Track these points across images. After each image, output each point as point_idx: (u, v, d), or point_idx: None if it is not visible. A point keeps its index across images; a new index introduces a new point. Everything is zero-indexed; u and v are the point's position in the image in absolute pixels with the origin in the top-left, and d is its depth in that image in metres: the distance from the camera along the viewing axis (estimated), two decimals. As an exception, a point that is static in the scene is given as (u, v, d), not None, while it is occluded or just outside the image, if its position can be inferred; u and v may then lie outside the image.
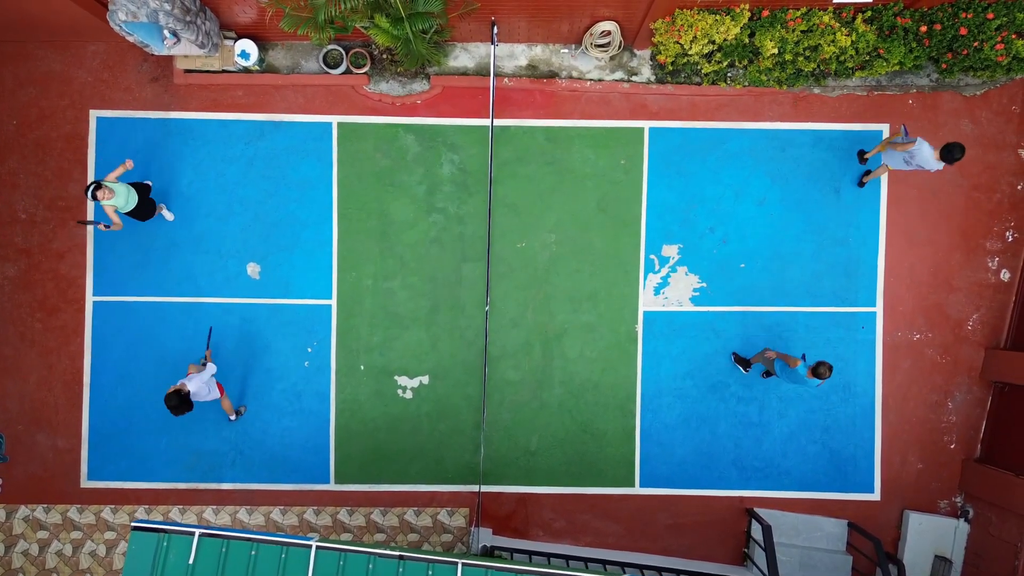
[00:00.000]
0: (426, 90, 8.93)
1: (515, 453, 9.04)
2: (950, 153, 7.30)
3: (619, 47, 8.67)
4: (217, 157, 8.92)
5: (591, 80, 8.97)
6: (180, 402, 7.09)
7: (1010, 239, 8.96)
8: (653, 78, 8.96)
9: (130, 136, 8.91)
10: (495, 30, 8.05)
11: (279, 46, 8.97)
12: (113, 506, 8.97)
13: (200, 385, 7.45)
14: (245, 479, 8.95)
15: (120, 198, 7.69)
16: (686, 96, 8.98)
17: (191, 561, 5.82)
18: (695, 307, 9.00)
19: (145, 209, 8.20)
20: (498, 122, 8.87)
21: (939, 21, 7.87)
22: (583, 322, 9.00)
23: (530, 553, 8.51)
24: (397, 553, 5.86)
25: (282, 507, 9.02)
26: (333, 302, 8.94)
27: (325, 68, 8.80)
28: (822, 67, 8.38)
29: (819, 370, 7.16)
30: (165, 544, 5.85)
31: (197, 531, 5.87)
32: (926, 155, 7.46)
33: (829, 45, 7.91)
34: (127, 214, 8.04)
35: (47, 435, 8.94)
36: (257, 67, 8.72)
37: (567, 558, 8.52)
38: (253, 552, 5.86)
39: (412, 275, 8.98)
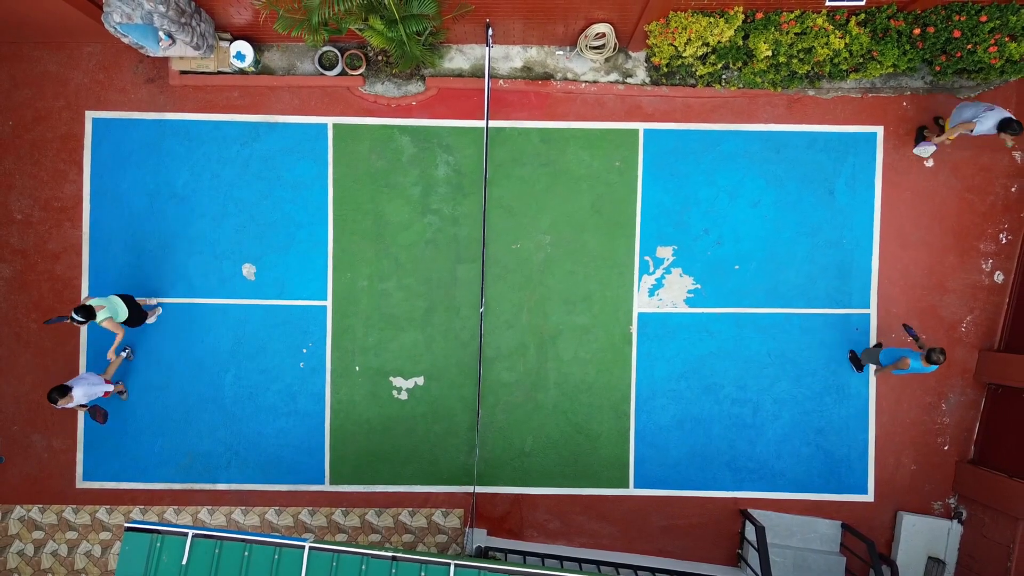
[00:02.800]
0: (421, 92, 8.95)
1: (510, 454, 9.06)
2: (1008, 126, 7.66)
3: (614, 49, 8.68)
4: (212, 158, 8.93)
5: (586, 82, 8.99)
6: (59, 394, 7.55)
7: (1004, 241, 8.98)
8: (648, 80, 8.98)
9: (125, 137, 8.92)
10: (490, 32, 8.07)
11: (275, 47, 8.98)
12: (108, 506, 8.99)
13: (86, 390, 7.79)
14: (240, 480, 8.97)
15: (108, 311, 7.73)
16: (681, 98, 9.00)
17: (184, 562, 5.85)
18: (689, 309, 9.02)
19: (137, 316, 8.25)
20: (493, 123, 8.88)
21: (932, 24, 7.88)
22: (578, 323, 9.02)
23: (524, 554, 8.53)
24: (390, 554, 5.88)
25: (277, 508, 9.03)
26: (328, 303, 8.96)
27: (320, 70, 8.82)
28: (816, 69, 8.39)
29: (933, 357, 7.44)
30: (158, 545, 5.88)
31: (190, 532, 5.89)
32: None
33: (823, 47, 7.93)
34: (123, 323, 8.05)
35: (42, 436, 8.96)
36: (253, 68, 8.73)
37: (561, 559, 8.55)
38: (246, 553, 5.89)
39: (407, 276, 8.99)
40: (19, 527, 9.00)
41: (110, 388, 8.11)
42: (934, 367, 7.59)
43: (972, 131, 7.92)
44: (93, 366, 8.91)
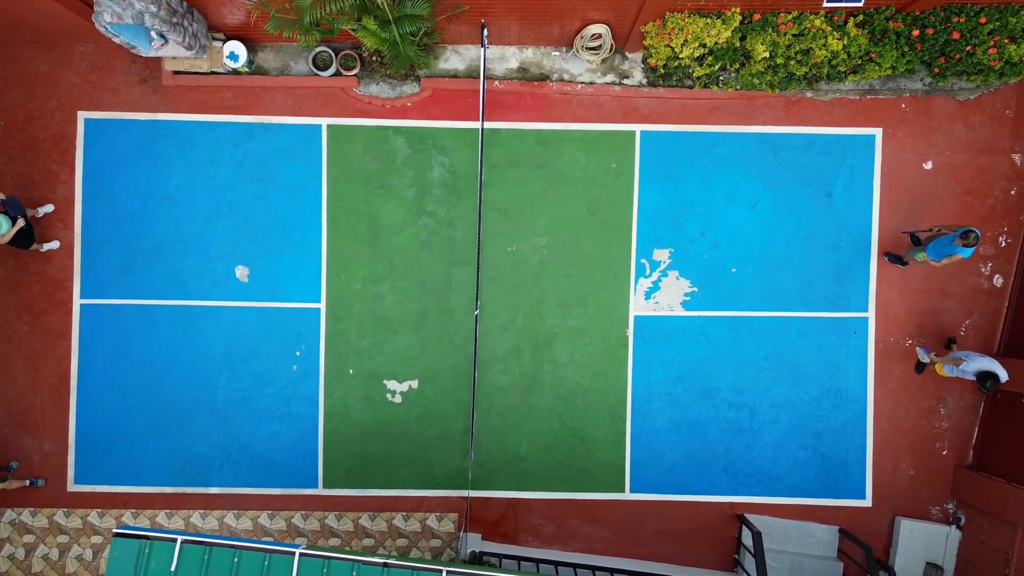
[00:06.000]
0: (416, 92, 8.88)
1: (504, 458, 8.99)
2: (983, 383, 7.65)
3: (610, 50, 8.61)
4: (206, 159, 8.87)
5: (582, 83, 8.92)
6: None
7: (1003, 244, 8.91)
8: (644, 81, 8.91)
9: (118, 138, 8.85)
10: (485, 32, 8.00)
11: (268, 48, 8.91)
12: (100, 510, 8.93)
13: None
14: (233, 483, 8.91)
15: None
16: (677, 99, 8.93)
17: (173, 568, 5.78)
18: (686, 312, 8.95)
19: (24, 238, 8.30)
20: (488, 125, 8.82)
21: (931, 25, 7.81)
22: (573, 327, 8.95)
23: (519, 559, 8.49)
24: (381, 560, 5.81)
25: (270, 511, 8.97)
26: (322, 306, 8.90)
27: (314, 70, 8.75)
28: (814, 71, 8.32)
29: (970, 238, 7.45)
30: (147, 551, 5.80)
31: (179, 538, 5.83)
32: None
33: (820, 49, 7.86)
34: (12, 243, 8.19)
35: (34, 439, 8.89)
36: (246, 69, 8.66)
37: (556, 564, 8.48)
38: (236, 559, 5.82)
39: (401, 279, 8.92)
40: (10, 530, 8.94)
41: None
42: (972, 249, 7.56)
43: (960, 366, 7.88)
44: (87, 366, 8.84)
